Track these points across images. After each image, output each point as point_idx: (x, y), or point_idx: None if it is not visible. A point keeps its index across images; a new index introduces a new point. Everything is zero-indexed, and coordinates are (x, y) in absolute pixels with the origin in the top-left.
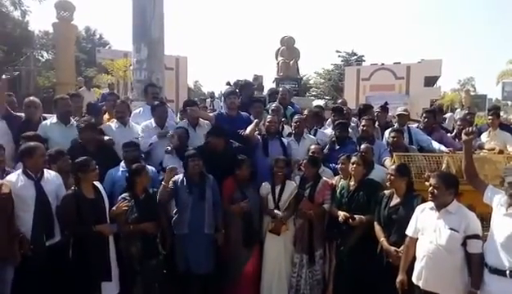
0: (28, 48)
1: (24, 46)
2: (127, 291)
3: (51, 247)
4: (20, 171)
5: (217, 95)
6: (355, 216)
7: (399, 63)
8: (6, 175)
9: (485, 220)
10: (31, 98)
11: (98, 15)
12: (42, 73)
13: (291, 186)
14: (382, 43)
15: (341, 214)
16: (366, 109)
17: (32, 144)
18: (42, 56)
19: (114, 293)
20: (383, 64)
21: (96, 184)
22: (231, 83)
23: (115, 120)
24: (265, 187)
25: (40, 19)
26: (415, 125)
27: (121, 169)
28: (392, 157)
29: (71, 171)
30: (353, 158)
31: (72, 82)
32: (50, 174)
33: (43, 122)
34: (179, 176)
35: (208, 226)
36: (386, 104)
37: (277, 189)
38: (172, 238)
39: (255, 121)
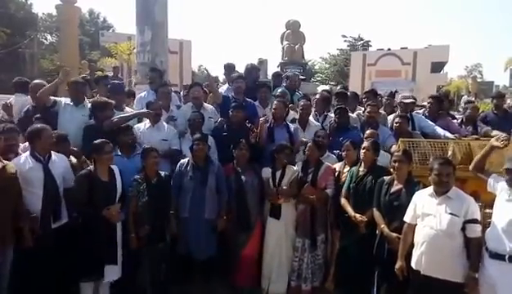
0: (31, 31)
1: (27, 29)
2: (131, 274)
3: (57, 228)
4: (27, 153)
5: (221, 79)
6: (358, 215)
7: (406, 48)
8: None
9: (489, 207)
10: (36, 81)
11: None
12: (46, 55)
13: (292, 170)
14: (389, 28)
15: (350, 212)
16: (370, 95)
17: (39, 126)
18: (45, 39)
19: (116, 277)
20: (389, 49)
21: (113, 167)
22: (228, 67)
23: (147, 120)
24: (265, 171)
25: (44, 1)
26: (421, 111)
27: (115, 154)
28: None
29: (89, 153)
30: (364, 144)
31: (76, 66)
32: (57, 156)
33: (59, 100)
34: (185, 160)
35: (208, 211)
36: (396, 91)
37: (278, 173)
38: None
39: (261, 122)
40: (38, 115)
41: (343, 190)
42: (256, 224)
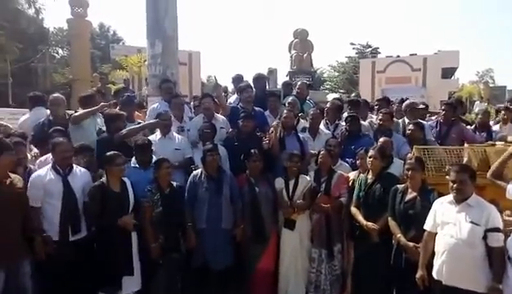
0: (43, 45)
1: (39, 44)
2: (146, 285)
3: (76, 241)
4: (50, 165)
5: (230, 89)
6: (370, 224)
7: (415, 54)
8: (29, 172)
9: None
10: (55, 95)
11: (111, 12)
12: (58, 69)
13: (305, 180)
14: (397, 35)
15: (362, 221)
16: (383, 103)
17: (56, 139)
18: (57, 53)
19: (136, 289)
20: (398, 56)
21: (124, 179)
22: (236, 79)
23: (158, 131)
24: (278, 182)
25: (55, 16)
26: (434, 118)
27: (132, 165)
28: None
29: (100, 165)
30: (371, 152)
31: (87, 79)
32: (79, 170)
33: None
34: (198, 171)
35: (225, 221)
36: (407, 99)
37: (291, 183)
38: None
39: (273, 126)
40: (58, 127)
41: (353, 199)
42: (271, 235)
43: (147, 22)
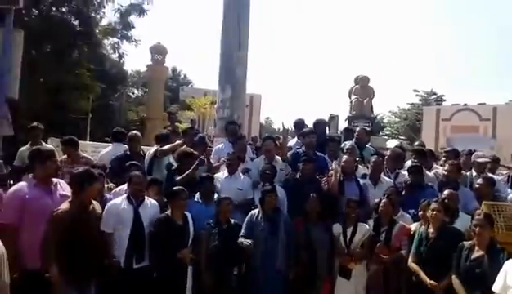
0: (122, 86)
1: (118, 84)
2: None
3: (138, 269)
4: (124, 195)
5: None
6: (433, 282)
7: (484, 103)
8: (105, 201)
9: None
10: (134, 132)
11: (184, 57)
12: (132, 107)
13: (364, 228)
14: (464, 83)
15: (424, 278)
16: (451, 155)
17: (133, 173)
18: (133, 93)
19: None
20: (465, 104)
21: (186, 213)
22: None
23: (226, 169)
24: (336, 228)
25: (133, 59)
26: (505, 172)
27: (195, 200)
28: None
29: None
30: (433, 205)
31: (160, 118)
32: (150, 202)
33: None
34: (256, 211)
35: (280, 262)
36: (474, 151)
37: (349, 231)
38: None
39: (333, 171)
40: (135, 162)
41: (412, 253)
42: (325, 282)
43: (220, 69)
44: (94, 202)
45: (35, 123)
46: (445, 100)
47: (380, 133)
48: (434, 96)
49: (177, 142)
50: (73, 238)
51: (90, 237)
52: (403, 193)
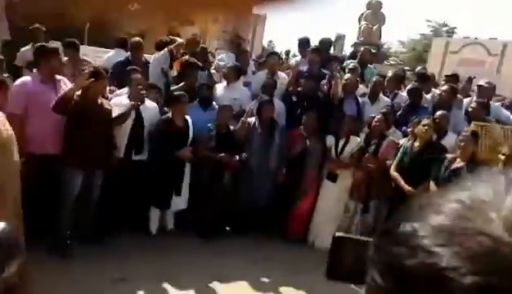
0: None
1: None
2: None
3: (138, 161)
4: (126, 95)
5: (292, 52)
6: (411, 189)
7: (495, 38)
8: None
9: None
10: (137, 38)
11: None
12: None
13: (355, 141)
14: (477, 16)
15: (403, 185)
16: (451, 79)
17: (134, 75)
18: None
19: (183, 207)
20: (476, 38)
21: (187, 117)
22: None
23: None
24: (329, 139)
25: None
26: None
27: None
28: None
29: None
30: (425, 121)
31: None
32: (151, 104)
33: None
34: (252, 118)
35: (271, 163)
36: (474, 77)
37: (341, 142)
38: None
39: (336, 79)
40: (135, 67)
41: (394, 163)
42: (312, 186)
43: None
44: (103, 99)
45: (36, 24)
46: (456, 33)
47: (385, 62)
48: (446, 28)
49: (179, 40)
50: (82, 119)
51: (98, 124)
52: (399, 112)
